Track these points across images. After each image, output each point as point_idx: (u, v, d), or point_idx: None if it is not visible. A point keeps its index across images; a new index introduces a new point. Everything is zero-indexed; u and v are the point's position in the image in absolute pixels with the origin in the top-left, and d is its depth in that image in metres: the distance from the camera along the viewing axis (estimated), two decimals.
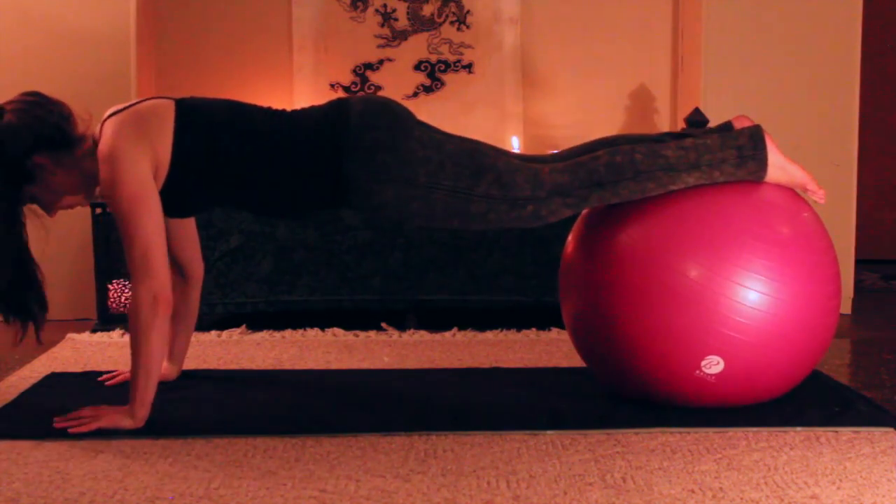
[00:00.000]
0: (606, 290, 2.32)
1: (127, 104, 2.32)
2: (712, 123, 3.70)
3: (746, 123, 2.41)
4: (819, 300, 2.33)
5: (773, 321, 2.25)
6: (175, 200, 2.34)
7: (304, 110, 2.39)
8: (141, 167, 2.23)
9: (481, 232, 3.19)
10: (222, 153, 2.29)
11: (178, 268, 2.61)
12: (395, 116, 2.31)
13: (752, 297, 2.23)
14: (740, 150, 2.29)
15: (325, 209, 2.42)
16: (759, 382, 2.32)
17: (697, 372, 2.26)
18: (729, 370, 2.26)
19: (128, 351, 2.29)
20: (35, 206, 2.35)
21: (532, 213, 2.28)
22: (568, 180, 2.27)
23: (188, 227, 2.60)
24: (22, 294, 2.30)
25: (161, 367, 2.27)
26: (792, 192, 2.42)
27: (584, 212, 2.47)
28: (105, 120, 2.30)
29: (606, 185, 2.27)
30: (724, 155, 2.29)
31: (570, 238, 2.52)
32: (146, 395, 2.24)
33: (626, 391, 2.44)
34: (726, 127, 2.43)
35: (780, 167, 2.33)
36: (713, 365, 2.25)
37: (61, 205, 2.36)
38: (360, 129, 2.27)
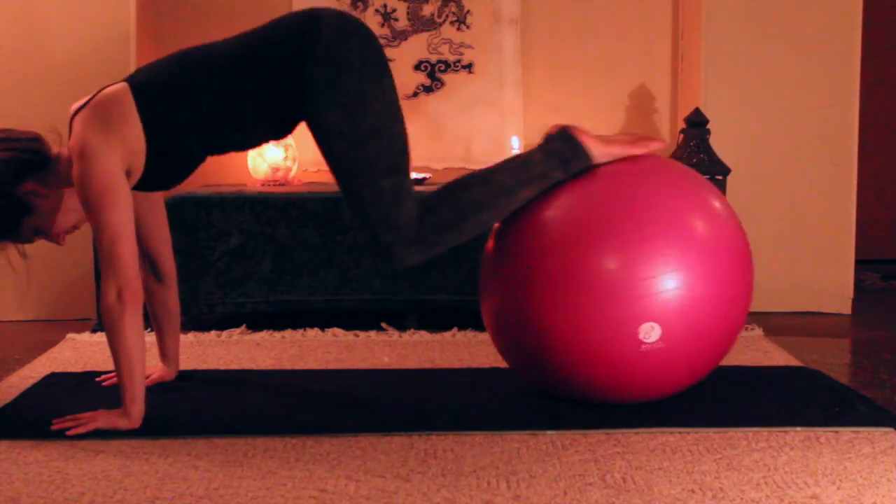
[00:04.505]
0: (525, 286, 2.32)
1: (87, 98, 2.32)
2: (713, 123, 3.71)
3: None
4: (733, 267, 2.35)
5: (695, 298, 2.26)
6: (163, 172, 2.35)
7: (271, 21, 2.38)
8: (110, 160, 2.23)
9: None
10: (191, 107, 2.28)
11: (152, 267, 2.61)
12: (372, 46, 2.31)
13: (669, 284, 2.24)
14: (561, 156, 2.34)
15: (284, 124, 2.36)
16: (698, 346, 2.33)
17: (642, 346, 2.25)
18: (667, 335, 2.25)
19: None
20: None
21: (388, 243, 2.27)
22: (418, 228, 2.27)
23: (160, 225, 2.60)
24: None
25: (143, 361, 2.27)
26: (699, 179, 2.45)
27: None
28: (73, 117, 2.31)
29: (452, 226, 2.29)
30: (550, 164, 2.34)
31: (489, 239, 2.51)
32: (133, 391, 2.24)
33: (554, 389, 2.43)
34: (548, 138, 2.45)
35: (601, 153, 2.37)
36: (651, 332, 2.25)
37: (65, 227, 2.36)
38: (332, 41, 2.26)
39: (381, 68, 2.31)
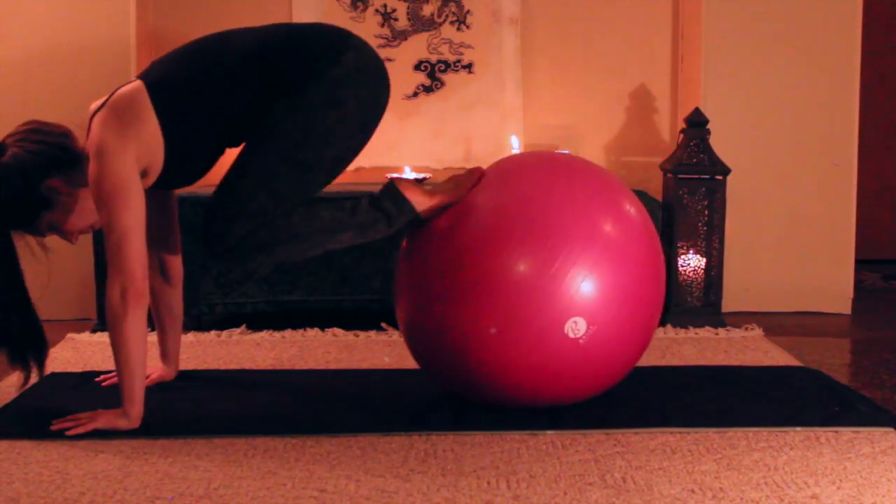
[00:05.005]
0: (439, 294, 2.31)
1: (105, 98, 2.33)
2: (713, 123, 3.71)
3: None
4: (648, 269, 2.36)
5: (611, 290, 2.26)
6: (184, 168, 2.37)
7: (300, 24, 2.43)
8: (125, 161, 2.23)
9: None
10: (205, 101, 2.30)
11: (160, 267, 2.61)
12: (374, 104, 2.35)
13: (584, 282, 2.23)
14: (386, 211, 2.36)
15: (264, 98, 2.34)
16: (623, 337, 2.32)
17: (580, 341, 2.24)
18: (592, 322, 2.25)
19: None
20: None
21: (214, 234, 2.28)
22: (239, 239, 2.27)
23: (171, 226, 2.61)
24: (21, 340, 2.32)
25: (144, 362, 2.27)
26: (611, 179, 2.44)
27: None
28: (91, 117, 2.32)
29: (265, 248, 2.28)
30: (374, 216, 2.35)
31: (402, 245, 2.50)
32: (133, 391, 2.24)
33: (476, 394, 2.40)
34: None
35: (426, 206, 2.37)
36: (576, 326, 2.24)
37: (82, 227, 2.36)
38: (344, 75, 2.28)
39: (364, 127, 2.34)
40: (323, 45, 2.32)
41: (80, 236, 2.40)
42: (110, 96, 2.31)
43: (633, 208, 2.40)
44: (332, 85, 2.28)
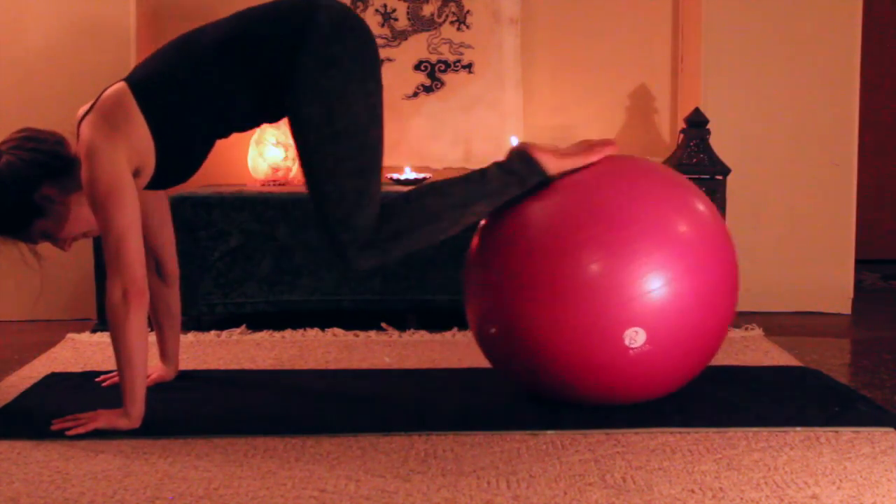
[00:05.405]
0: (509, 290, 2.32)
1: (92, 102, 2.32)
2: (713, 123, 3.71)
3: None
4: (717, 267, 2.35)
5: (679, 299, 2.26)
6: (176, 165, 2.36)
7: (269, 2, 2.38)
8: (116, 161, 2.22)
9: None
10: (189, 95, 2.29)
11: (156, 267, 2.61)
12: (367, 46, 2.31)
13: (653, 287, 2.23)
14: (518, 174, 2.36)
15: (275, 107, 2.34)
16: (685, 347, 2.32)
17: (631, 352, 2.25)
18: (652, 337, 2.25)
19: None
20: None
21: (343, 244, 2.27)
22: (374, 234, 2.27)
23: (165, 225, 2.61)
24: None
25: (145, 362, 2.27)
26: (682, 180, 2.46)
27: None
28: (80, 122, 2.31)
29: (404, 235, 2.29)
30: (506, 180, 2.36)
31: (473, 239, 2.49)
32: (134, 391, 2.24)
33: (543, 392, 2.42)
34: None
35: (557, 167, 2.38)
36: (636, 336, 2.24)
37: (75, 234, 2.37)
38: (328, 34, 2.26)
39: (370, 70, 2.31)
40: (293, 17, 2.28)
41: (72, 244, 2.40)
42: (97, 100, 2.31)
43: (707, 211, 2.40)
44: (318, 50, 2.25)
